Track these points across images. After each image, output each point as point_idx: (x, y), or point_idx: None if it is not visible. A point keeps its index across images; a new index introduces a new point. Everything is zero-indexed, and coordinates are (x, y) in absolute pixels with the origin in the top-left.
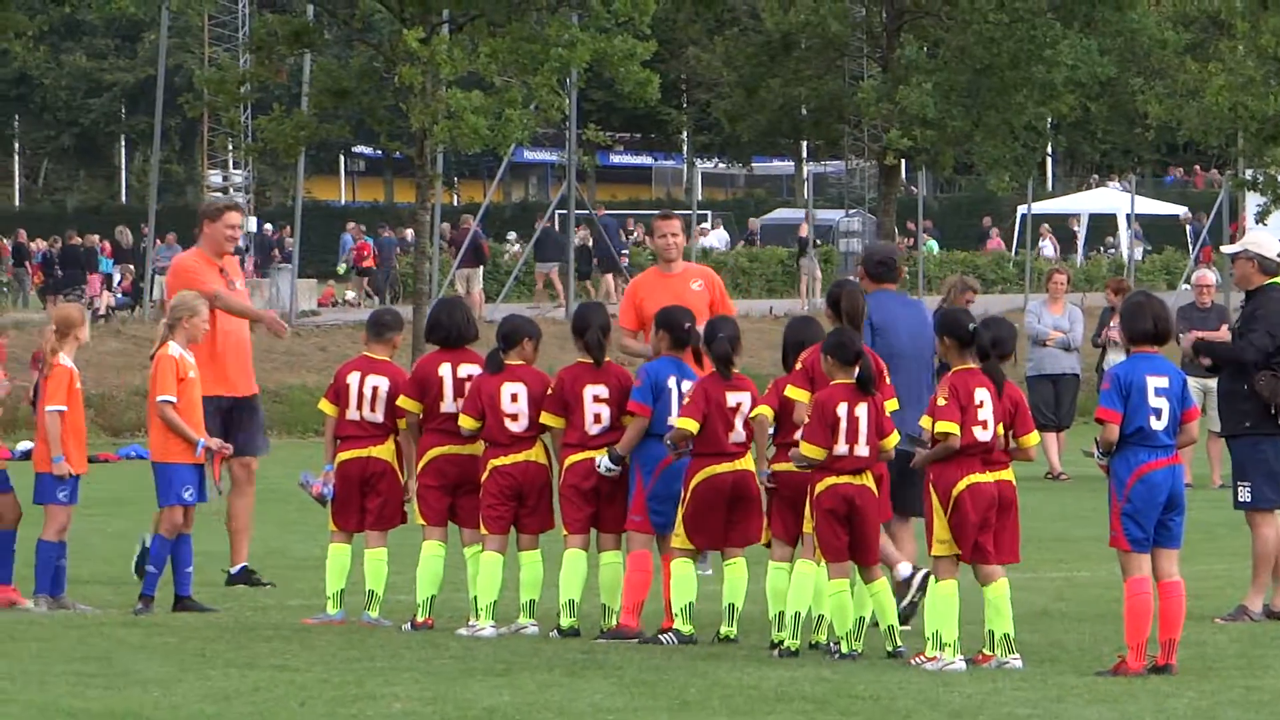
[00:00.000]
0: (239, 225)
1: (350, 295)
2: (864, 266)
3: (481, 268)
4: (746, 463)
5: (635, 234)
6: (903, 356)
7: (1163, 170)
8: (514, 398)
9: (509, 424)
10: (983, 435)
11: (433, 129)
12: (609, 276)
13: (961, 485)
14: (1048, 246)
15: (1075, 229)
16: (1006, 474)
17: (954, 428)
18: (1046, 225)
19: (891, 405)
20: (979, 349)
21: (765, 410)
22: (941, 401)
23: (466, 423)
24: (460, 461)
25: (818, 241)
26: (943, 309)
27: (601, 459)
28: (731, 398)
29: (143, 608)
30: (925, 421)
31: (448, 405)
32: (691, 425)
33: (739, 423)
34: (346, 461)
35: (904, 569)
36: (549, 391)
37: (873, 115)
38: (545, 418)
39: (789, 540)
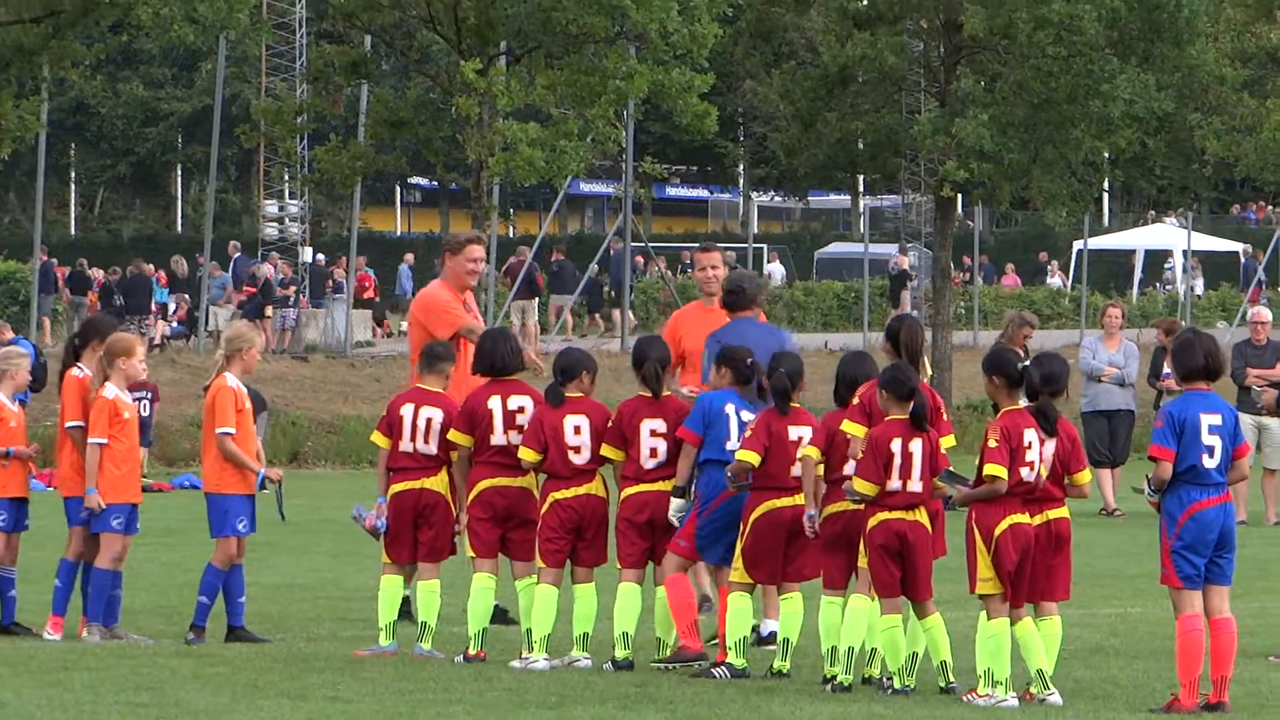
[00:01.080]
0: (481, 259)
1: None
2: (720, 296)
3: (536, 300)
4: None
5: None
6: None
7: (1220, 207)
8: (577, 430)
9: (572, 456)
10: (1028, 476)
11: (489, 160)
12: (615, 311)
13: (1003, 525)
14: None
15: (1132, 265)
16: (1061, 511)
17: (1002, 471)
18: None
19: (948, 442)
20: (1028, 388)
21: (811, 452)
22: (992, 444)
23: (529, 455)
24: (510, 494)
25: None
26: (994, 347)
27: (672, 510)
28: (794, 432)
29: (195, 638)
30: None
31: (498, 438)
32: (752, 458)
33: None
34: (400, 493)
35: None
36: (609, 424)
37: (929, 148)
38: (606, 450)
39: (841, 577)
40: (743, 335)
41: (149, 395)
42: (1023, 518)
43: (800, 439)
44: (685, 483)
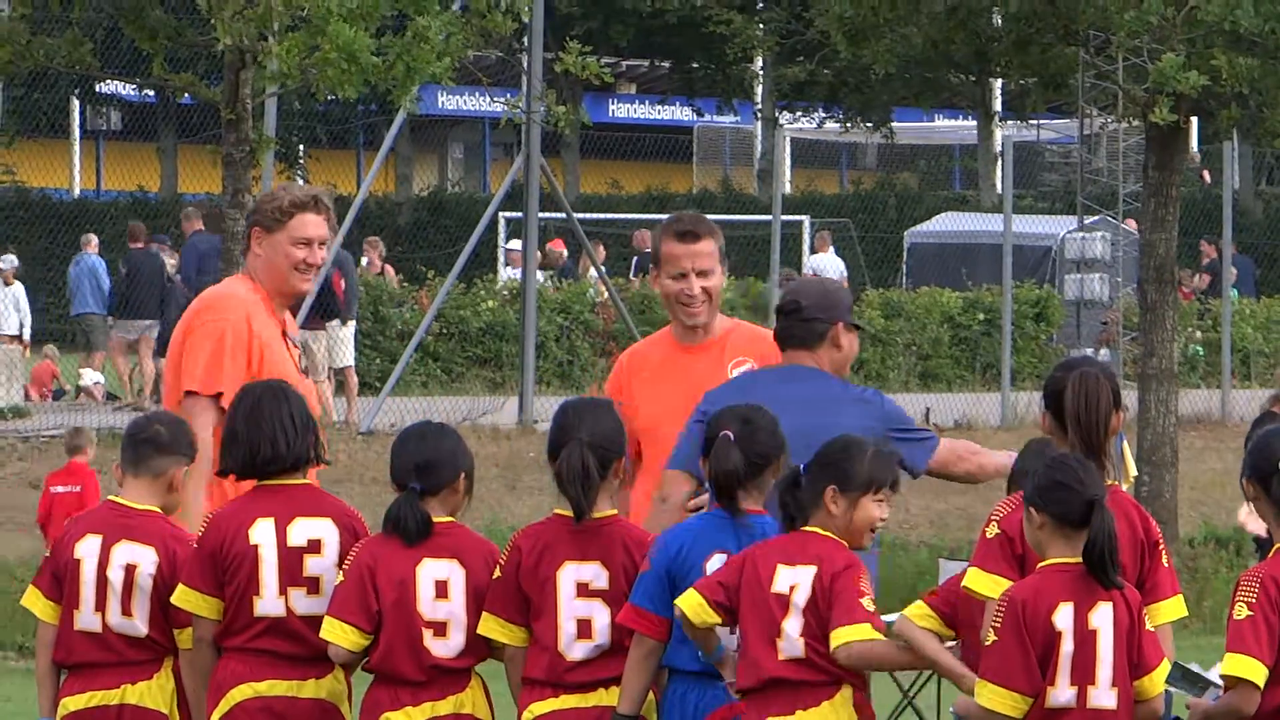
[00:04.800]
0: (320, 239)
1: (89, 379)
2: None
3: (348, 326)
4: (830, 716)
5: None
6: None
7: None
8: (441, 589)
9: (431, 642)
10: None
11: (262, 49)
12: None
13: None
14: None
15: None
16: None
17: (1257, 669)
18: None
19: (1173, 611)
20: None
21: (920, 616)
22: (1241, 613)
23: (345, 638)
24: (293, 712)
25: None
26: (1263, 428)
27: None
28: (784, 575)
29: None
30: None
31: (268, 602)
32: (707, 615)
33: (793, 627)
34: (80, 714)
35: None
36: (495, 575)
37: (1134, 27)
38: (489, 627)
39: None
40: (774, 395)
41: None
42: None
43: (795, 586)
44: (635, 709)
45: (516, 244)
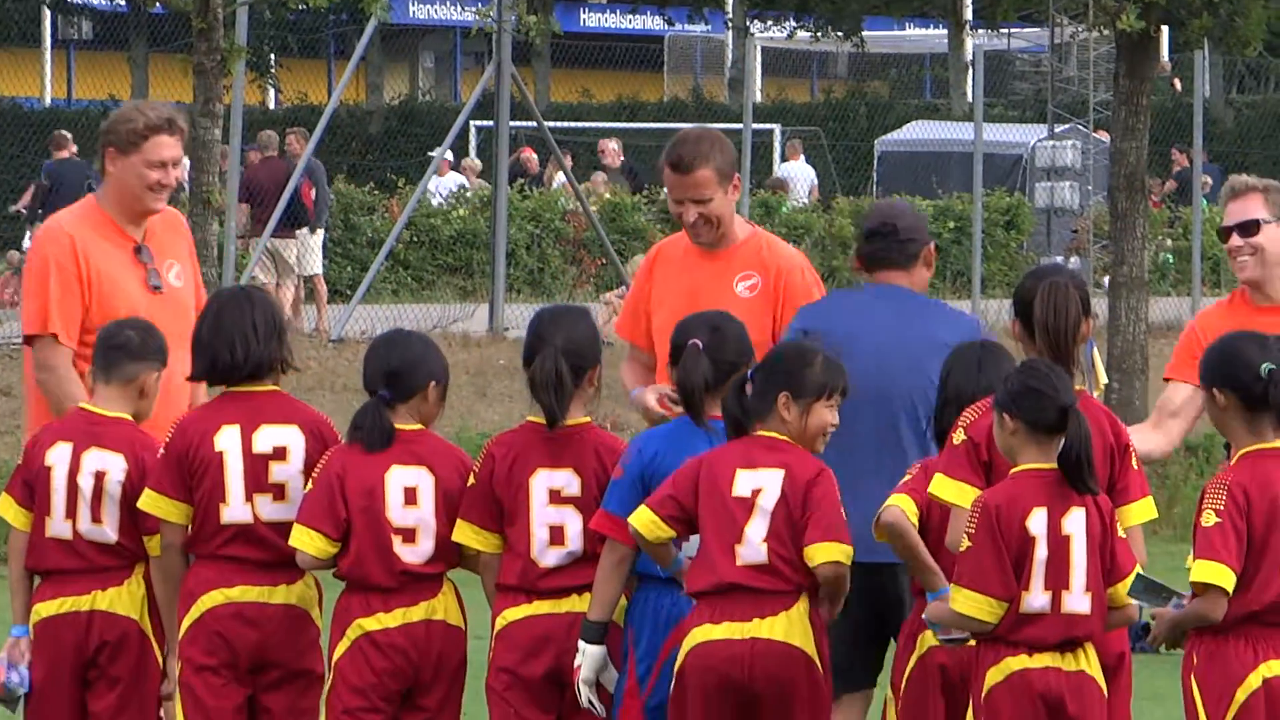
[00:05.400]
0: (175, 162)
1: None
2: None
3: (317, 234)
4: (786, 627)
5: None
6: (857, 399)
7: None
8: (410, 496)
9: (400, 549)
10: None
11: None
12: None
13: (1253, 682)
14: None
15: None
16: None
17: (1227, 575)
18: None
19: (1142, 513)
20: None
21: (902, 503)
22: (1209, 520)
23: (312, 544)
24: (265, 619)
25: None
26: (1226, 335)
27: (583, 672)
28: (745, 480)
29: None
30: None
31: (234, 510)
32: (657, 530)
33: (756, 531)
34: (52, 620)
35: None
36: (470, 482)
37: None
38: (464, 533)
39: None
40: (858, 313)
41: None
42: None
43: (758, 491)
44: (607, 614)
45: (439, 152)
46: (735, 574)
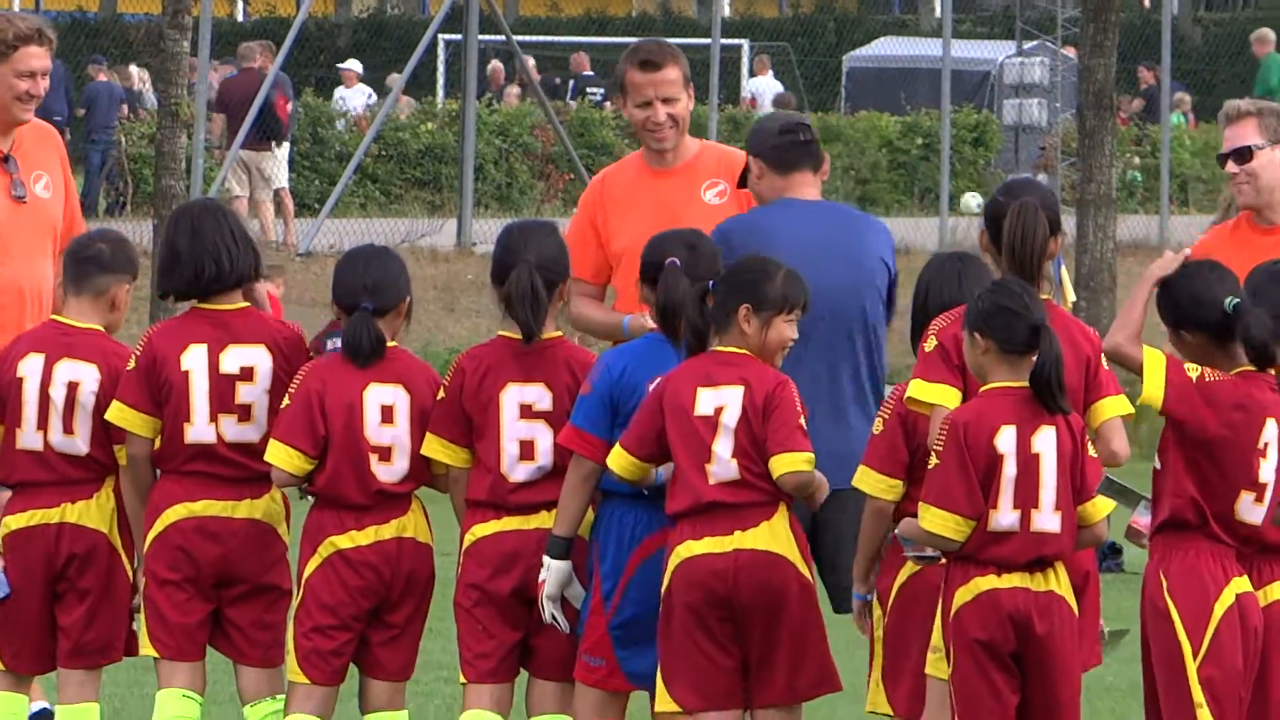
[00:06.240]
0: (42, 72)
1: None
2: (758, 150)
3: (282, 148)
4: (768, 536)
5: (595, 87)
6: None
7: None
8: (386, 413)
9: (377, 467)
10: (1251, 514)
11: None
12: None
13: (1227, 600)
14: None
15: None
16: None
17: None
18: None
19: (1113, 408)
20: (1246, 342)
21: (875, 484)
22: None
23: (289, 460)
24: (228, 533)
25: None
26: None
27: (548, 586)
28: (706, 398)
29: None
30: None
31: (198, 428)
32: (630, 467)
33: (723, 448)
34: (21, 532)
35: None
36: (439, 397)
37: None
38: (433, 447)
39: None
40: (781, 223)
41: None
42: (1247, 586)
43: (721, 408)
44: (571, 530)
45: (352, 64)
46: (711, 492)
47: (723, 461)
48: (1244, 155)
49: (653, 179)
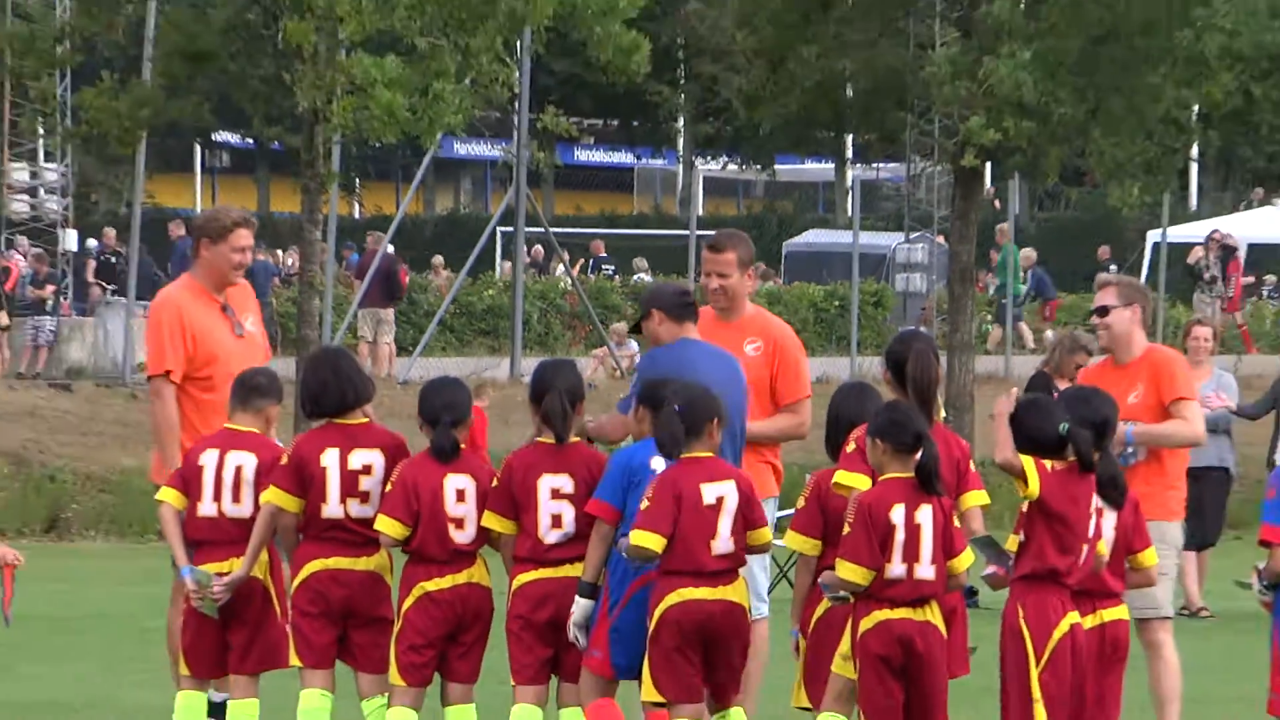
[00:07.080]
0: (250, 249)
1: None
2: (661, 305)
3: (393, 308)
4: (737, 591)
5: (607, 265)
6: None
7: None
8: (460, 495)
9: (454, 533)
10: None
11: (329, 109)
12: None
13: (1063, 628)
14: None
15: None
16: (1119, 611)
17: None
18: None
19: (975, 499)
20: (1078, 456)
21: (802, 544)
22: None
23: (393, 529)
24: (353, 581)
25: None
26: (1031, 385)
27: (575, 616)
28: (710, 491)
29: None
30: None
31: (332, 505)
32: (653, 542)
33: (724, 526)
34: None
35: None
36: (494, 484)
37: (947, 99)
38: (490, 519)
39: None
40: (689, 360)
41: None
42: (1078, 618)
43: (720, 500)
44: (595, 577)
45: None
46: (713, 562)
47: (724, 538)
48: (1104, 311)
49: (719, 325)
